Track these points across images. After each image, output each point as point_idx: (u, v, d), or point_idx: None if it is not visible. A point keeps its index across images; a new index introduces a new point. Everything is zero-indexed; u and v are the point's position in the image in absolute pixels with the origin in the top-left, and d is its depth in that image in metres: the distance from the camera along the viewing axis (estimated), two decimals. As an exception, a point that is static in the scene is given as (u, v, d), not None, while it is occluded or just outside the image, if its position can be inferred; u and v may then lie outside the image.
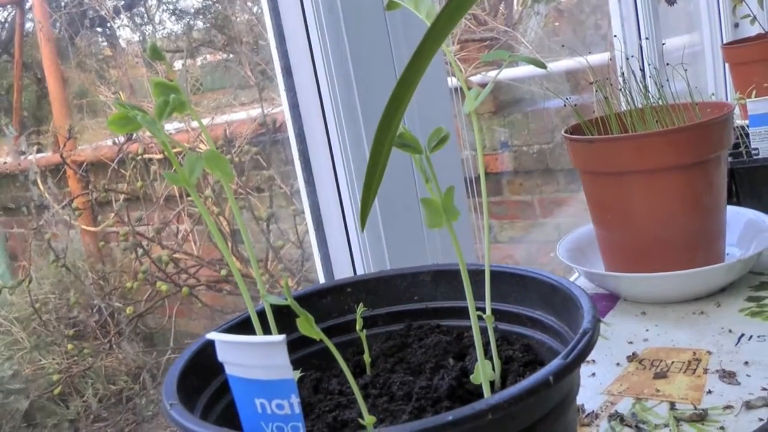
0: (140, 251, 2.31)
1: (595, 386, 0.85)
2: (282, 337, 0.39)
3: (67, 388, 2.17)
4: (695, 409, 0.77)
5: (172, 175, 0.48)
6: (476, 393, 0.54)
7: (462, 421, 0.40)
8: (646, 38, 1.70)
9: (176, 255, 2.43)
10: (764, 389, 0.79)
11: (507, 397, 0.41)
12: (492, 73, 2.93)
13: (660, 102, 1.11)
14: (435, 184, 0.45)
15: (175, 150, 0.51)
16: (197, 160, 0.49)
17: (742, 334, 0.92)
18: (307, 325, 0.42)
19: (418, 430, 0.39)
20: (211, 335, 0.42)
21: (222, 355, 0.43)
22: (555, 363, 0.44)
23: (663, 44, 1.76)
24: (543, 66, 0.59)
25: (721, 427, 0.74)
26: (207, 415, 0.53)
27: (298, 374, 0.57)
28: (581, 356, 0.46)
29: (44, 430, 2.13)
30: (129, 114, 0.49)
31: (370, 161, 0.39)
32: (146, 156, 2.35)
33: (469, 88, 0.52)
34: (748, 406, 0.76)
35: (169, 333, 2.45)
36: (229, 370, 0.43)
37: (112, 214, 2.38)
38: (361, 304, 0.62)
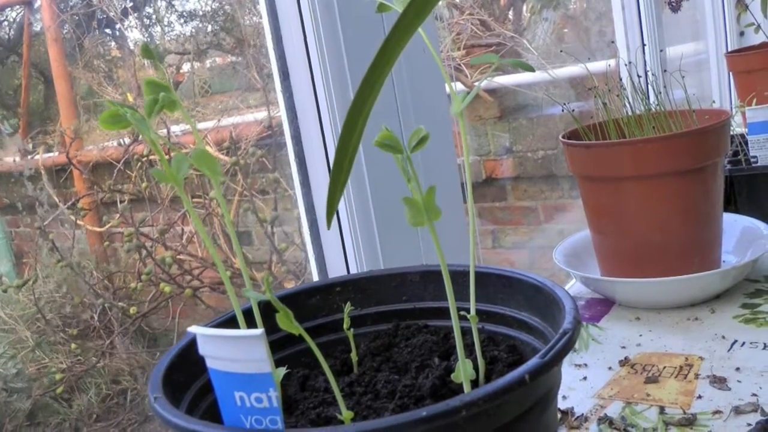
0: (144, 252, 2.32)
1: (586, 390, 0.86)
2: (260, 330, 0.40)
3: (69, 387, 2.18)
4: (684, 413, 0.77)
5: (159, 172, 0.49)
6: (459, 392, 0.54)
7: (435, 417, 0.40)
8: (644, 45, 1.70)
9: (180, 256, 2.44)
10: (754, 395, 0.79)
11: (482, 394, 0.42)
12: (499, 78, 2.93)
13: (658, 108, 1.11)
14: (416, 183, 0.46)
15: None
16: (184, 158, 0.49)
17: (735, 341, 0.92)
18: (287, 321, 0.43)
19: (392, 425, 0.40)
20: (192, 329, 0.43)
21: (203, 348, 0.43)
22: (532, 362, 0.45)
23: (661, 51, 1.76)
24: (531, 69, 0.59)
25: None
26: (192, 411, 0.54)
27: (284, 371, 0.58)
28: (559, 356, 0.46)
29: (47, 428, 2.14)
30: (119, 112, 0.50)
31: (336, 161, 0.40)
32: (151, 157, 2.36)
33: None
34: (737, 411, 0.76)
35: (172, 333, 2.46)
36: (210, 364, 0.44)
37: (117, 215, 2.39)
38: (348, 303, 0.62)
